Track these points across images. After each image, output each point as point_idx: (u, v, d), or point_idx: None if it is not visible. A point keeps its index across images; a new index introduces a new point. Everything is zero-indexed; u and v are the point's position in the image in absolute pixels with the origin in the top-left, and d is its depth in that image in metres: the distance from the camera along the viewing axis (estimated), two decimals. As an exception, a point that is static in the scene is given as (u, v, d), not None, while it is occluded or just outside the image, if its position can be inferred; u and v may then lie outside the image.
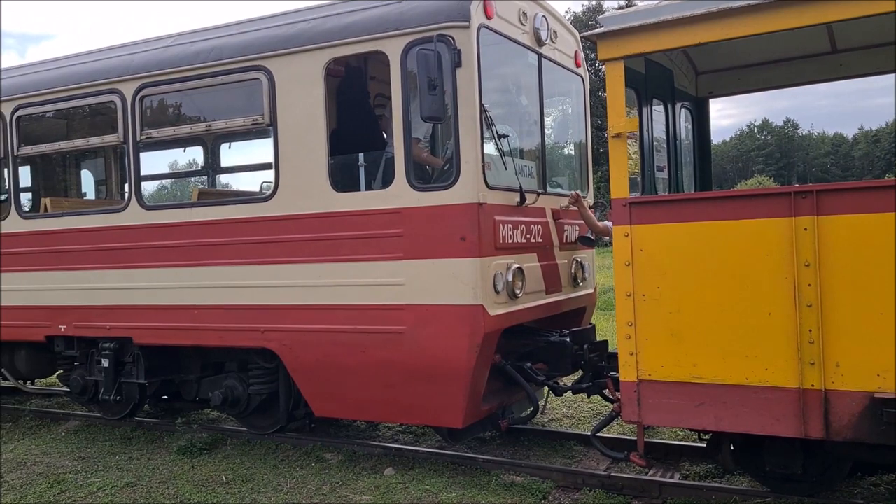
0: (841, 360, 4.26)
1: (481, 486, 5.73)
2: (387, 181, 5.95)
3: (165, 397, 7.97)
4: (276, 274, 6.30)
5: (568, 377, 6.56)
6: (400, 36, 5.61)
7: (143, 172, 7.22)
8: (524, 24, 6.15)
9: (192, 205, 6.92)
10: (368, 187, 6.36)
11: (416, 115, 5.63)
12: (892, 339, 4.11)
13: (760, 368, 4.47)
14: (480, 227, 5.49)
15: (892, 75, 6.34)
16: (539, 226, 6.32)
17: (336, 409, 6.44)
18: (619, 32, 4.68)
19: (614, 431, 6.78)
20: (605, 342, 6.32)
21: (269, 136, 6.48)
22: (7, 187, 8.06)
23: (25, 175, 9.87)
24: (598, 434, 5.79)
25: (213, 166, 9.60)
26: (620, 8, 36.10)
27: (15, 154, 7.71)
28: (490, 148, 5.76)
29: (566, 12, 45.67)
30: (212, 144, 9.43)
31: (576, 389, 6.27)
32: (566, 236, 6.79)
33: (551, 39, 6.58)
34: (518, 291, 5.87)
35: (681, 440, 6.58)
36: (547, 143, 6.78)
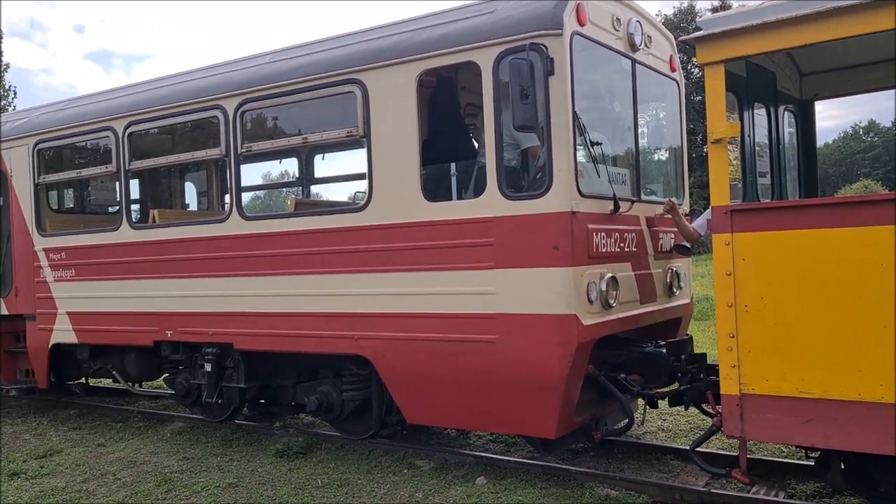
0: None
1: (575, 499, 5.65)
2: (478, 190, 5.97)
3: (263, 401, 8.24)
4: (369, 282, 6.41)
5: (663, 389, 6.37)
6: (491, 46, 5.62)
7: (243, 184, 7.51)
8: (617, 30, 6.06)
9: (289, 215, 7.14)
10: (460, 196, 6.40)
11: (507, 124, 5.63)
12: None
13: (875, 384, 4.23)
14: (573, 236, 5.43)
15: None
16: (633, 234, 6.20)
17: (428, 417, 6.49)
18: (720, 35, 4.55)
19: (713, 446, 6.56)
20: (704, 354, 6.12)
21: (362, 148, 6.62)
22: (119, 200, 8.54)
23: (134, 188, 10.45)
24: (698, 448, 5.61)
25: (307, 177, 9.88)
26: (714, 10, 35.10)
27: (126, 168, 8.15)
28: (583, 156, 5.69)
29: (657, 14, 44.73)
30: (306, 156, 9.71)
31: (672, 402, 6.10)
32: (661, 245, 6.63)
33: (645, 44, 6.46)
34: (612, 301, 5.77)
35: (785, 457, 6.30)
36: (641, 149, 6.65)
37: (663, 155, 7.61)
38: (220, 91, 7.37)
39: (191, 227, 7.77)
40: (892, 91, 6.73)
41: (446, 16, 6.22)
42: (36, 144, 8.93)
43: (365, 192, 6.58)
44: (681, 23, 37.77)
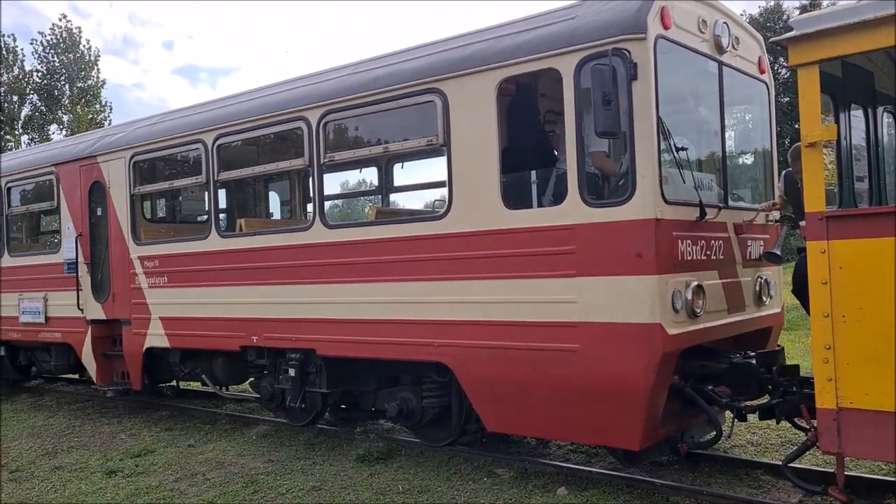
0: None
1: (660, 513, 5.52)
2: (558, 197, 5.92)
3: (343, 407, 8.37)
4: (449, 290, 6.44)
5: (753, 402, 6.16)
6: (573, 52, 5.58)
7: (326, 193, 7.67)
8: (703, 32, 5.92)
9: (371, 223, 7.25)
10: (540, 204, 6.36)
11: (589, 130, 5.57)
12: None
13: None
14: (658, 244, 5.32)
15: None
16: (720, 241, 6.02)
17: (508, 425, 6.46)
18: (814, 35, 4.37)
19: (807, 462, 6.29)
20: (796, 366, 5.88)
21: (442, 156, 6.67)
22: (208, 209, 8.86)
23: (221, 197, 10.81)
24: (791, 464, 5.39)
25: (386, 186, 10.01)
26: (803, 9, 33.77)
27: (215, 179, 8.45)
28: (667, 161, 5.57)
29: (741, 14, 43.41)
30: (385, 165, 9.85)
31: (763, 415, 5.89)
32: (749, 252, 6.42)
33: (733, 46, 6.28)
34: (698, 310, 5.62)
35: (885, 475, 5.99)
36: (728, 154, 6.46)
37: (751, 159, 7.37)
38: (303, 103, 7.56)
39: (276, 235, 7.98)
40: None
41: (526, 23, 6.21)
42: (132, 157, 9.36)
43: (445, 201, 6.63)
44: (767, 22, 36.53)
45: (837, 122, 5.67)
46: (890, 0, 4.14)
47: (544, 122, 7.23)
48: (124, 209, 9.48)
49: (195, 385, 10.93)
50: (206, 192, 8.84)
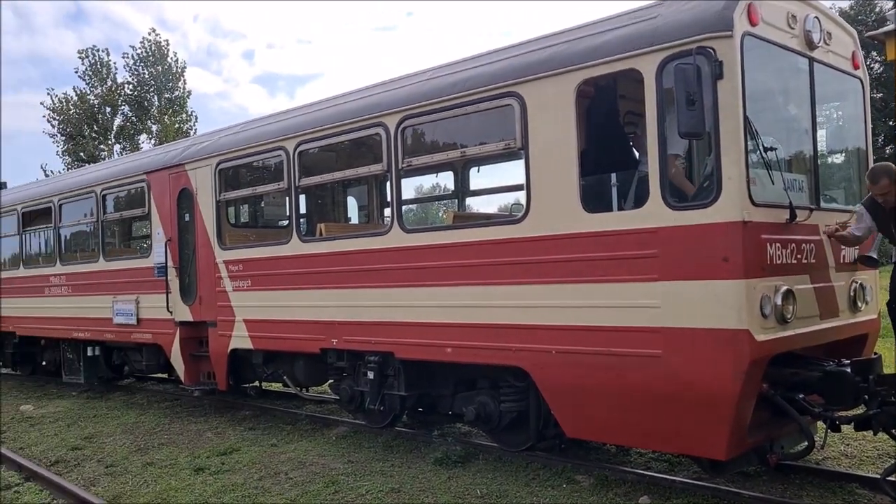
0: None
1: (748, 525, 5.33)
2: (639, 200, 5.81)
3: (421, 410, 8.43)
4: (527, 294, 6.40)
5: (848, 412, 5.89)
6: (655, 52, 5.47)
7: (403, 198, 7.75)
8: (793, 28, 5.71)
9: (448, 227, 7.28)
10: (620, 207, 6.25)
11: (671, 131, 5.45)
12: None
13: None
14: (745, 247, 5.15)
15: None
16: (812, 244, 5.79)
17: (588, 432, 6.37)
18: (916, 27, 4.15)
19: (906, 477, 5.96)
20: (895, 375, 5.59)
21: (519, 159, 6.64)
22: (289, 214, 9.07)
23: (301, 202, 11.05)
24: (889, 478, 5.12)
25: (462, 190, 10.04)
26: (895, -1, 32.10)
27: (297, 185, 8.66)
28: (755, 162, 5.38)
29: (830, 7, 41.65)
30: (462, 169, 9.87)
31: (859, 426, 5.62)
32: (843, 256, 6.15)
33: (824, 41, 6.03)
34: (788, 315, 5.41)
35: None
36: (820, 153, 6.21)
37: (844, 158, 7.05)
38: (381, 109, 7.66)
39: (355, 239, 8.11)
40: None
41: (606, 24, 6.12)
42: (218, 164, 9.69)
43: (522, 204, 6.60)
44: (857, 15, 34.88)
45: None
46: None
47: (624, 123, 7.12)
48: (210, 215, 9.82)
49: (276, 386, 11.21)
50: (288, 198, 9.06)
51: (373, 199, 11.24)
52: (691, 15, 5.37)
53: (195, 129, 35.55)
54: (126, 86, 35.56)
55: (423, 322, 7.28)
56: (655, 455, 7.22)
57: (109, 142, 35.36)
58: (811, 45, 5.88)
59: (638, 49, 5.58)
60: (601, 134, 6.55)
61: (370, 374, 7.98)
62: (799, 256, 5.63)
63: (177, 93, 36.22)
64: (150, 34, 37.53)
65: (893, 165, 5.84)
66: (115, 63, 35.84)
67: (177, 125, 35.44)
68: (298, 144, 8.57)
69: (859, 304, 6.32)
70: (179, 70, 36.41)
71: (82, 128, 34.72)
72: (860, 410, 5.66)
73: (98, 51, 35.59)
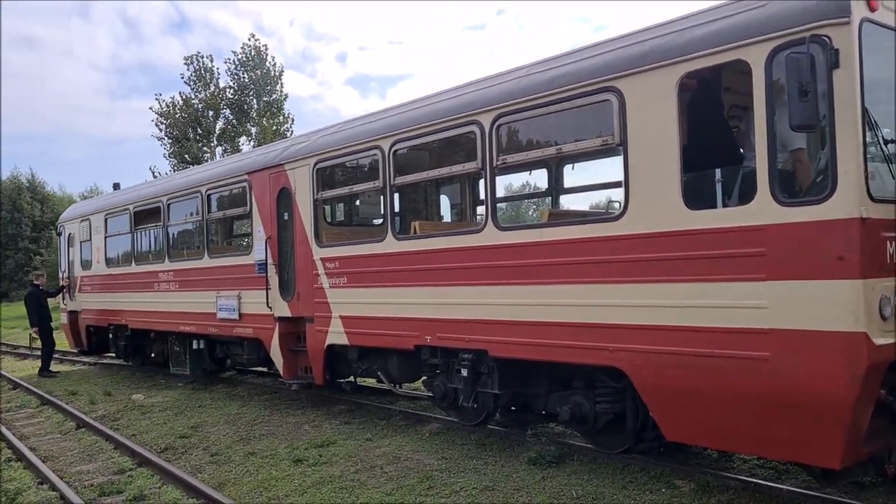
0: None
1: (864, 539, 5.05)
2: (745, 196, 5.59)
3: (514, 408, 8.39)
4: (625, 293, 6.27)
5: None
6: (764, 41, 5.24)
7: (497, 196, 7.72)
8: (917, 12, 5.35)
9: (543, 225, 7.21)
10: (724, 204, 6.03)
11: (781, 124, 5.21)
12: None
13: None
14: (862, 245, 4.87)
15: None
16: (936, 243, 5.40)
17: (688, 435, 6.17)
18: None
19: None
20: None
21: (617, 156, 6.51)
22: (384, 212, 9.21)
23: (396, 201, 11.19)
24: None
25: (556, 187, 9.93)
26: None
27: (392, 183, 8.78)
28: (873, 155, 5.08)
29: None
30: (555, 166, 9.77)
31: None
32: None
33: (951, 26, 5.62)
34: (910, 318, 5.07)
35: None
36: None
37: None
38: (476, 107, 7.66)
39: (449, 237, 8.15)
40: None
41: (709, 14, 5.91)
42: (315, 164, 9.94)
43: (620, 201, 6.46)
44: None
45: None
46: None
47: (728, 117, 6.86)
48: (308, 213, 10.08)
49: (370, 382, 11.40)
50: (382, 196, 9.20)
51: (465, 196, 11.27)
52: (804, 2, 5.11)
53: (292, 131, 36.62)
54: (227, 90, 37.02)
55: (516, 320, 7.24)
56: (760, 461, 6.94)
57: (212, 144, 36.91)
58: (937, 30, 5.49)
59: (745, 39, 5.36)
60: (704, 128, 6.32)
61: (464, 372, 8.00)
62: (922, 255, 5.28)
63: (274, 96, 37.42)
64: (249, 39, 38.92)
65: None
66: (217, 68, 37.39)
67: (274, 127, 36.60)
68: (394, 143, 8.69)
69: None
70: (277, 74, 37.59)
71: (187, 131, 36.40)
72: None
73: (202, 57, 37.23)
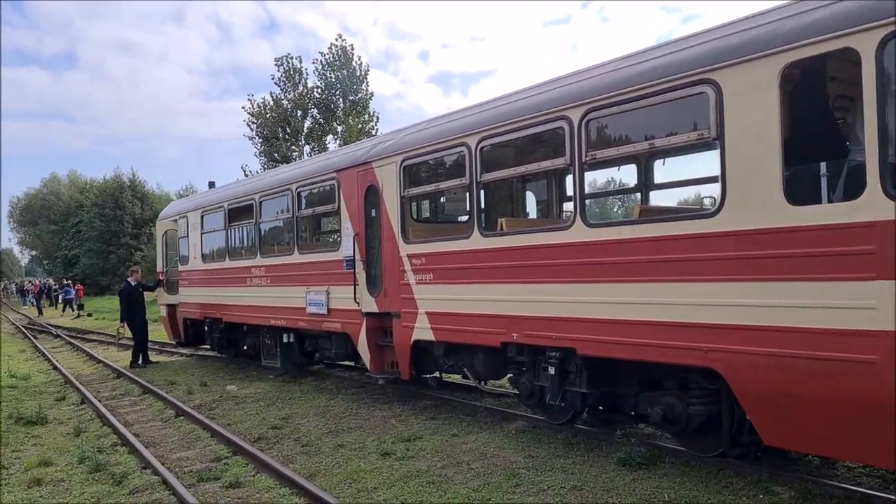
0: None
1: None
2: (852, 192, 5.31)
3: (601, 408, 8.26)
4: (720, 292, 6.07)
5: None
6: (874, 28, 4.96)
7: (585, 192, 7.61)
8: None
9: (634, 222, 7.06)
10: (829, 199, 5.75)
11: (892, 116, 4.92)
12: None
13: None
14: None
15: None
16: None
17: (789, 441, 5.92)
18: None
19: None
20: None
21: (713, 150, 6.31)
22: (470, 209, 9.22)
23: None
24: None
25: (645, 183, 9.70)
26: None
27: (478, 180, 8.78)
28: None
29: None
30: (645, 161, 9.54)
31: None
32: None
33: None
34: None
35: None
36: None
37: None
38: (565, 102, 7.57)
39: (536, 234, 8.08)
40: None
41: (813, 2, 5.64)
42: (402, 161, 10.05)
43: (715, 197, 6.26)
44: None
45: None
46: None
47: (833, 108, 6.54)
48: (395, 210, 10.21)
49: (455, 378, 11.46)
50: (468, 193, 9.21)
51: (551, 193, 11.16)
52: (921, -16, 4.82)
53: (377, 130, 37.16)
54: (315, 90, 37.89)
55: (606, 319, 7.12)
56: (866, 469, 6.60)
57: (300, 143, 37.87)
58: None
59: (854, 27, 5.09)
60: (807, 120, 6.05)
61: (551, 370, 7.93)
62: None
63: (360, 95, 38.04)
64: (337, 40, 39.65)
65: None
66: (305, 69, 38.31)
67: (360, 125, 37.23)
68: (481, 140, 8.69)
69: None
70: (363, 73, 38.20)
71: (277, 130, 37.49)
72: None
73: (292, 58, 38.24)
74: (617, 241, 7.01)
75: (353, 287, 11.07)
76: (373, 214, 10.88)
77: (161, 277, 19.04)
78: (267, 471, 7.64)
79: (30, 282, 76.59)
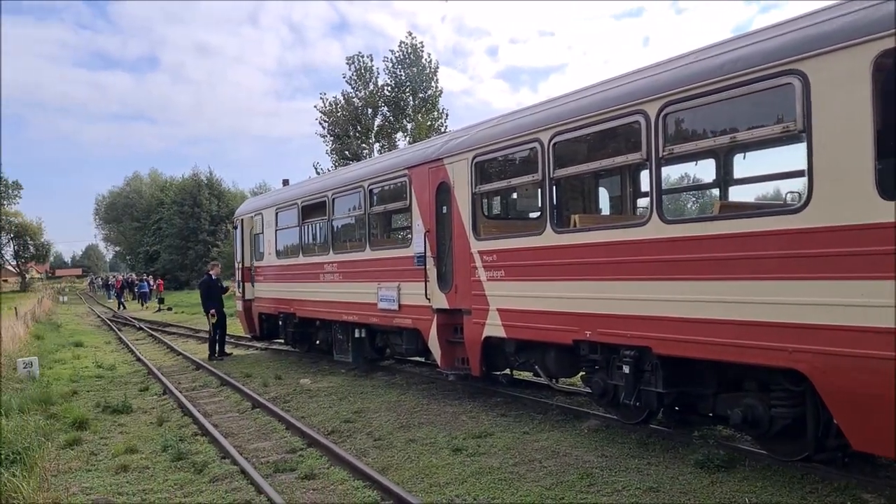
0: None
1: None
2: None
3: (677, 409, 8.06)
4: (806, 290, 5.84)
5: None
6: (979, 11, 4.68)
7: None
8: None
9: (713, 218, 6.85)
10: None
11: None
12: None
13: None
14: None
15: None
16: None
17: (880, 446, 5.64)
18: None
19: None
20: None
21: (799, 143, 6.07)
22: (543, 205, 9.13)
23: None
24: None
25: (725, 178, 9.41)
26: None
27: (551, 176, 8.69)
28: None
29: None
30: (724, 156, 9.26)
31: None
32: None
33: None
34: None
35: None
36: None
37: None
38: (641, 96, 7.41)
39: (610, 230, 7.95)
40: None
41: (909, -15, 5.36)
42: (474, 158, 10.04)
43: (800, 192, 6.02)
44: None
45: None
46: None
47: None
48: (466, 207, 10.21)
49: (526, 375, 11.39)
50: (541, 189, 9.12)
51: (625, 189, 10.95)
52: None
53: (445, 126, 37.25)
54: (385, 88, 38.26)
55: (683, 317, 6.95)
56: (964, 481, 6.25)
57: (370, 140, 38.31)
58: None
59: (955, 10, 4.82)
60: (902, 111, 5.76)
61: (625, 369, 7.79)
62: None
63: (430, 92, 38.20)
64: (407, 38, 39.92)
65: None
66: (376, 67, 38.73)
67: (429, 123, 37.39)
68: (554, 136, 8.60)
69: None
70: (432, 70, 38.35)
71: (348, 128, 38.01)
72: None
73: (362, 57, 38.70)
74: (695, 237, 6.83)
75: (423, 283, 11.13)
76: (444, 211, 10.90)
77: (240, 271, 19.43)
78: (341, 463, 7.76)
79: (114, 276, 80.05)
